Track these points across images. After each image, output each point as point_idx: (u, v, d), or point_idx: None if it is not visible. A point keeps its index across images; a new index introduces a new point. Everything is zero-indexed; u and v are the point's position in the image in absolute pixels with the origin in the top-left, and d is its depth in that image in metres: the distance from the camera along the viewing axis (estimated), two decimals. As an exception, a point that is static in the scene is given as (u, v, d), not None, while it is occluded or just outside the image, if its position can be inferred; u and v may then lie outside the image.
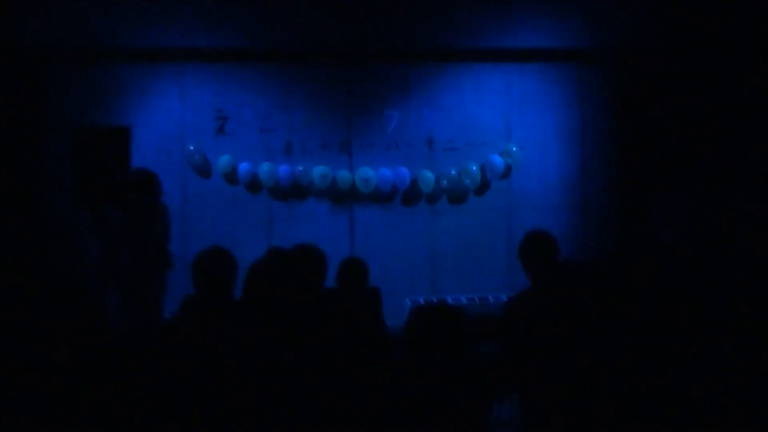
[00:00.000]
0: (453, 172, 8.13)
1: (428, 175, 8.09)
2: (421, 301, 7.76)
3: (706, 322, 3.49)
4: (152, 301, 6.45)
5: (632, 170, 8.22)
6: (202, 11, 7.79)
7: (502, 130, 8.34)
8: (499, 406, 4.05)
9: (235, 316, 3.21)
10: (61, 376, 3.03)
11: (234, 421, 2.91)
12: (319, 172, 7.95)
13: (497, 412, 4.00)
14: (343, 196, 8.13)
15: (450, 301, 7.75)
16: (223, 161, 7.92)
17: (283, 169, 7.95)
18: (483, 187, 8.19)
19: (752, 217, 7.08)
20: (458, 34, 8.02)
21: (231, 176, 8.00)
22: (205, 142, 8.01)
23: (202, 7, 7.80)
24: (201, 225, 7.72)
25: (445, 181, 8.13)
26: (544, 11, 8.12)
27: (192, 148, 7.91)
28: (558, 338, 3.32)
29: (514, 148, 8.19)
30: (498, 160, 8.11)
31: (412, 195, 8.25)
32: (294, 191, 8.10)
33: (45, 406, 2.95)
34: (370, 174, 8.01)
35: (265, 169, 7.90)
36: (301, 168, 7.97)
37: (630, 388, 3.25)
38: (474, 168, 8.09)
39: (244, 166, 7.91)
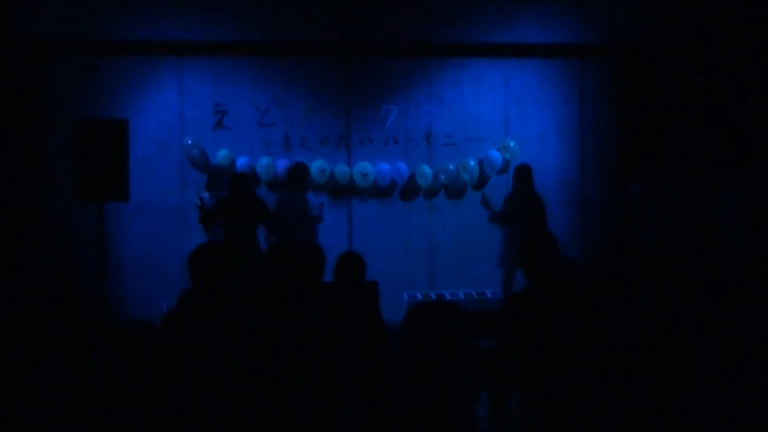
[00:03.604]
0: (451, 167, 8.13)
1: (426, 170, 8.10)
2: (419, 296, 7.78)
3: (705, 319, 3.50)
4: None
5: (630, 165, 8.22)
6: (201, 5, 7.79)
7: (501, 126, 8.33)
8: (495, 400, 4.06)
9: (231, 309, 3.22)
10: (59, 368, 3.04)
11: (230, 415, 2.92)
12: (317, 166, 7.94)
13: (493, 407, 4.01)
14: (341, 191, 8.13)
15: (447, 296, 7.76)
16: (221, 155, 7.90)
17: (282, 164, 7.94)
18: (481, 182, 8.19)
19: (750, 214, 7.09)
20: (458, 29, 8.01)
21: (229, 170, 7.98)
22: (203, 135, 7.99)
23: (201, 1, 7.79)
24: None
25: (443, 176, 8.13)
26: (544, 7, 8.12)
27: (189, 141, 7.89)
28: (557, 335, 3.33)
29: (512, 144, 8.19)
30: (496, 156, 8.11)
31: (410, 190, 8.25)
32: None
33: (43, 396, 2.96)
34: (368, 169, 8.01)
35: (263, 163, 7.90)
36: (299, 162, 7.97)
37: (627, 384, 3.26)
38: (472, 163, 8.10)
39: (242, 160, 7.90)
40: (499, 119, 8.35)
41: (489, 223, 7.50)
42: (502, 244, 7.35)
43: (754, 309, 3.63)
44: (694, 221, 7.37)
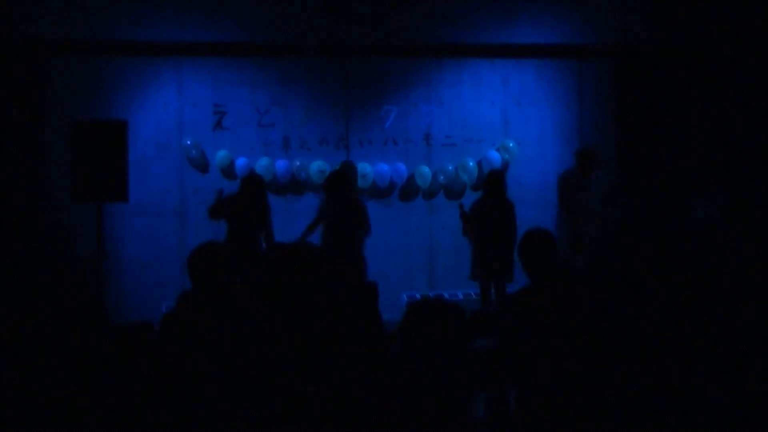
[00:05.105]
0: (450, 168, 8.13)
1: (425, 171, 8.09)
2: (418, 296, 7.77)
3: (705, 320, 3.50)
4: None
5: (630, 166, 8.22)
6: (201, 5, 7.78)
7: (500, 126, 8.33)
8: (494, 401, 4.06)
9: (231, 310, 3.21)
10: (58, 369, 3.03)
11: (230, 416, 2.92)
12: (316, 167, 7.94)
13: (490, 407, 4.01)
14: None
15: (446, 296, 7.75)
16: (220, 156, 7.90)
17: (281, 164, 7.94)
18: (480, 182, 8.17)
19: (750, 214, 7.09)
20: (457, 30, 8.01)
21: (228, 171, 7.98)
22: (203, 136, 7.99)
23: (201, 2, 7.79)
24: (198, 220, 7.70)
25: (442, 177, 8.13)
26: (543, 7, 8.12)
27: (189, 142, 7.89)
28: (557, 335, 3.33)
29: (511, 144, 8.19)
30: (495, 156, 8.11)
31: (409, 190, 8.25)
32: (291, 186, 8.09)
33: (42, 396, 2.96)
34: (367, 169, 8.00)
35: (262, 164, 7.89)
36: (298, 163, 7.96)
37: (627, 384, 3.26)
38: (471, 164, 8.09)
39: (241, 161, 7.90)
40: (499, 120, 8.34)
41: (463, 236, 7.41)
42: (472, 256, 7.29)
43: (753, 308, 3.63)
44: (691, 220, 7.38)
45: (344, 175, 7.25)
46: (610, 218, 8.02)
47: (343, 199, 7.05)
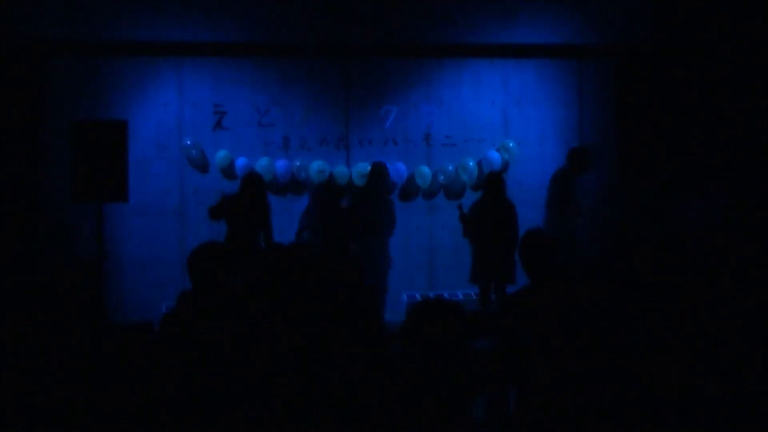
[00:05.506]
0: (450, 168, 8.13)
1: (425, 171, 8.09)
2: (418, 296, 7.78)
3: (705, 320, 3.50)
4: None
5: (630, 166, 8.22)
6: (201, 5, 7.78)
7: (500, 126, 8.33)
8: (494, 401, 4.06)
9: (231, 310, 3.21)
10: (59, 369, 3.03)
11: (230, 416, 2.92)
12: (316, 167, 7.93)
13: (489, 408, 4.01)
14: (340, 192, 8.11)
15: (446, 296, 7.75)
16: (220, 156, 7.90)
17: (281, 164, 7.94)
18: (480, 183, 8.17)
19: (750, 214, 7.09)
20: (457, 30, 8.01)
21: (228, 171, 7.98)
22: (203, 136, 7.99)
23: (201, 2, 7.79)
24: (198, 220, 7.70)
25: (442, 177, 8.13)
26: (543, 7, 8.12)
27: (189, 142, 7.89)
28: (557, 335, 3.33)
29: (511, 144, 8.19)
30: (495, 156, 8.11)
31: (409, 190, 8.25)
32: (291, 186, 8.09)
33: (42, 396, 2.96)
34: (367, 169, 7.99)
35: (262, 164, 7.89)
36: (298, 163, 7.96)
37: (627, 384, 3.26)
38: (471, 164, 8.09)
39: (241, 161, 7.89)
40: (499, 120, 8.35)
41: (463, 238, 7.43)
42: (472, 257, 7.29)
43: (753, 308, 3.63)
44: (691, 220, 7.38)
45: (386, 172, 7.44)
46: (610, 218, 8.03)
47: (380, 198, 7.22)
